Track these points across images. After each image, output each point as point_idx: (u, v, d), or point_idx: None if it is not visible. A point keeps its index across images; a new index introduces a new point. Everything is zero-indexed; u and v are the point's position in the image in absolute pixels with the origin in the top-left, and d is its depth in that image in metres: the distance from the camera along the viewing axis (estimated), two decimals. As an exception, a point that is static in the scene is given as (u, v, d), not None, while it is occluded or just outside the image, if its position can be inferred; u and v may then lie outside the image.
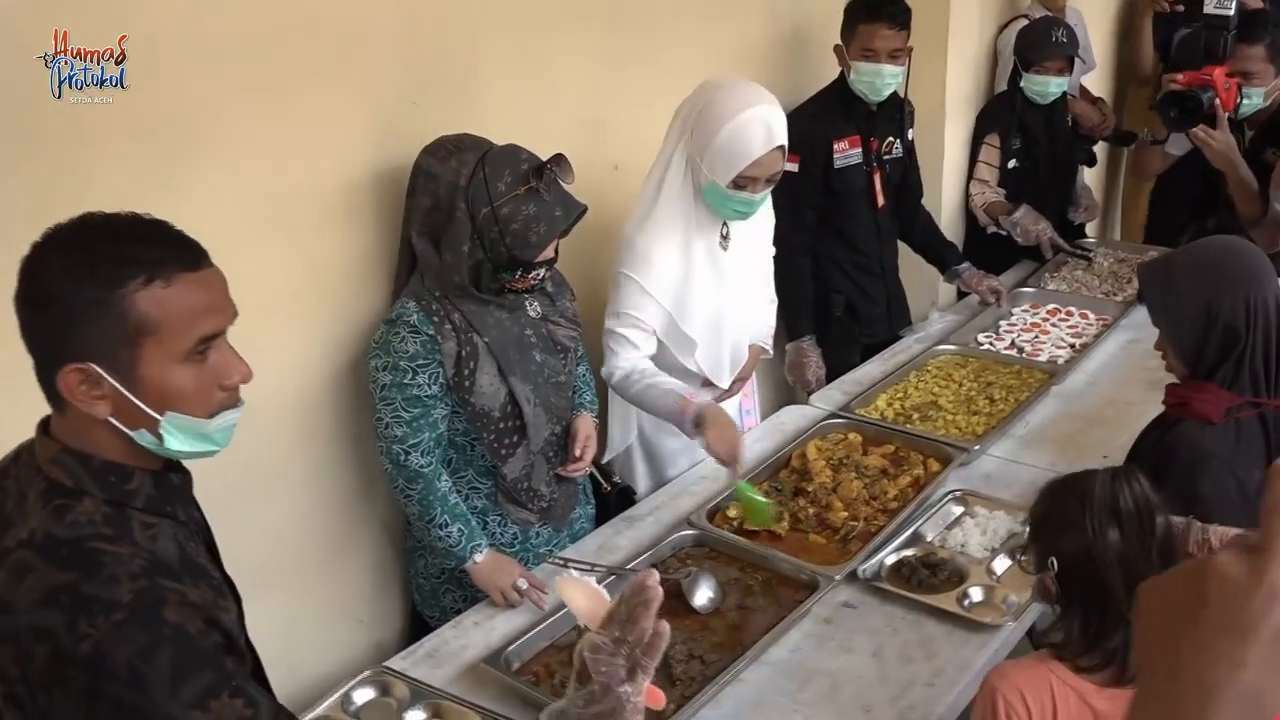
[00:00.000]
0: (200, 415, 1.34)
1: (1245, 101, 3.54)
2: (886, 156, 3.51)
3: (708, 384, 2.78)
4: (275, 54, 2.17)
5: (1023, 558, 1.84)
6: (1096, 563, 1.64)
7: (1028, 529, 1.80)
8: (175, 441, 1.32)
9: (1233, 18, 3.46)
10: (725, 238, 2.66)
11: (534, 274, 2.29)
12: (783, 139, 2.48)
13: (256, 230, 2.21)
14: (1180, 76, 3.47)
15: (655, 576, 1.11)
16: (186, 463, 1.43)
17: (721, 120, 2.44)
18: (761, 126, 2.45)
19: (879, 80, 3.33)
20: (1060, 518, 1.70)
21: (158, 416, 1.30)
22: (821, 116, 3.40)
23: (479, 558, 2.29)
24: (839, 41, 3.38)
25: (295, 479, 2.41)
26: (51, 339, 1.28)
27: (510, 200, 2.19)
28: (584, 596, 1.18)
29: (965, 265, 3.68)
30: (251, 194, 2.19)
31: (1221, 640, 0.66)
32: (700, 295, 2.64)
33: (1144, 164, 3.95)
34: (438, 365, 2.26)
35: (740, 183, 2.48)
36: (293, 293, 2.32)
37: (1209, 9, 3.49)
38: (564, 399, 2.48)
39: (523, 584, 2.27)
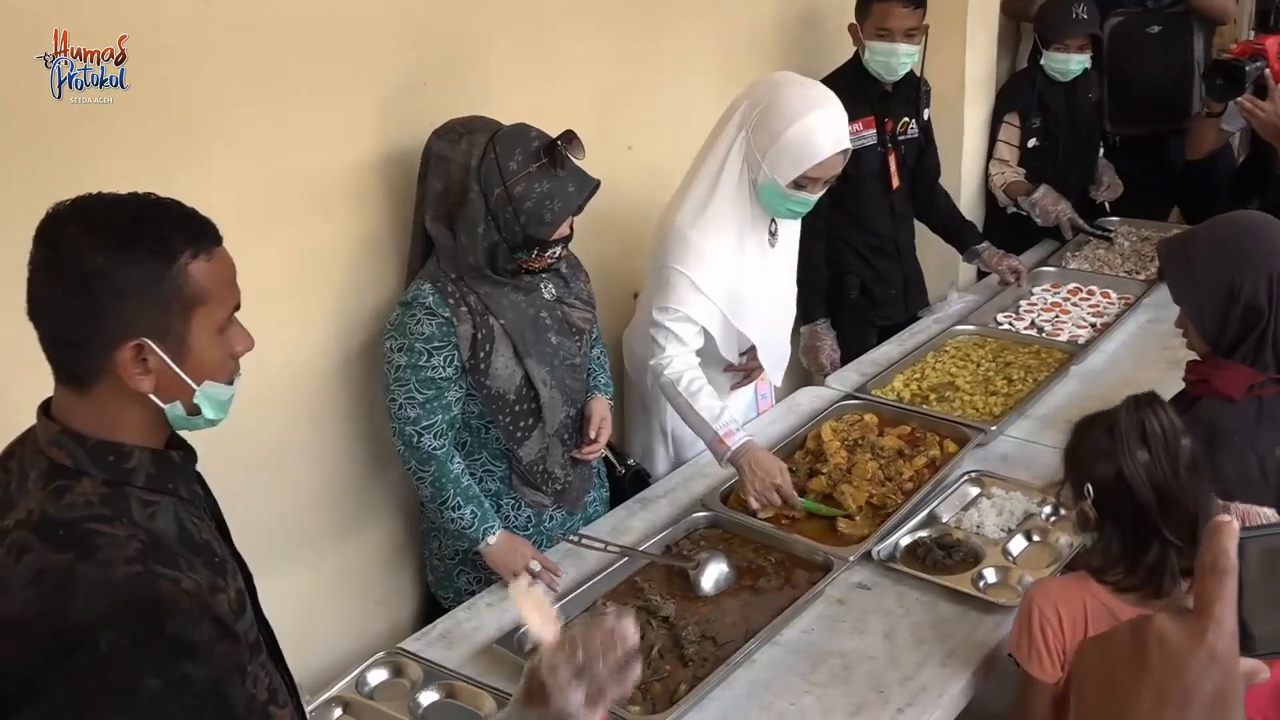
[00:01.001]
0: (224, 383, 1.41)
1: None
2: (901, 137, 3.47)
3: (730, 368, 2.79)
4: (278, 37, 2.17)
5: (1059, 493, 1.96)
6: (1129, 485, 1.75)
7: (1062, 465, 1.94)
8: (210, 410, 1.38)
9: None
10: (773, 234, 2.67)
11: (550, 252, 2.28)
12: (848, 142, 2.49)
13: (264, 214, 2.21)
14: (1233, 45, 3.42)
15: (632, 626, 1.12)
16: (191, 440, 1.44)
17: (788, 120, 2.42)
18: (829, 128, 2.45)
19: (894, 60, 3.29)
20: (1091, 448, 1.83)
21: (195, 387, 1.35)
22: (836, 94, 3.37)
23: (491, 540, 2.29)
24: (853, 20, 3.34)
25: (307, 460, 2.42)
26: (98, 316, 1.29)
27: (523, 178, 2.18)
28: (538, 611, 1.17)
29: (985, 245, 3.64)
30: (259, 178, 2.19)
31: (1163, 707, 0.67)
32: (753, 293, 2.65)
33: (1198, 140, 3.90)
34: (453, 348, 2.25)
35: (801, 183, 2.47)
36: (302, 276, 2.33)
37: None
38: (579, 381, 2.48)
39: (535, 566, 2.28)
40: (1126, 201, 4.24)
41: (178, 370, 1.33)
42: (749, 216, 2.57)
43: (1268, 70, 3.34)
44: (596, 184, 2.26)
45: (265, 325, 2.23)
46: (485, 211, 2.21)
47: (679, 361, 2.52)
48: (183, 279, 1.30)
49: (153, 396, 1.32)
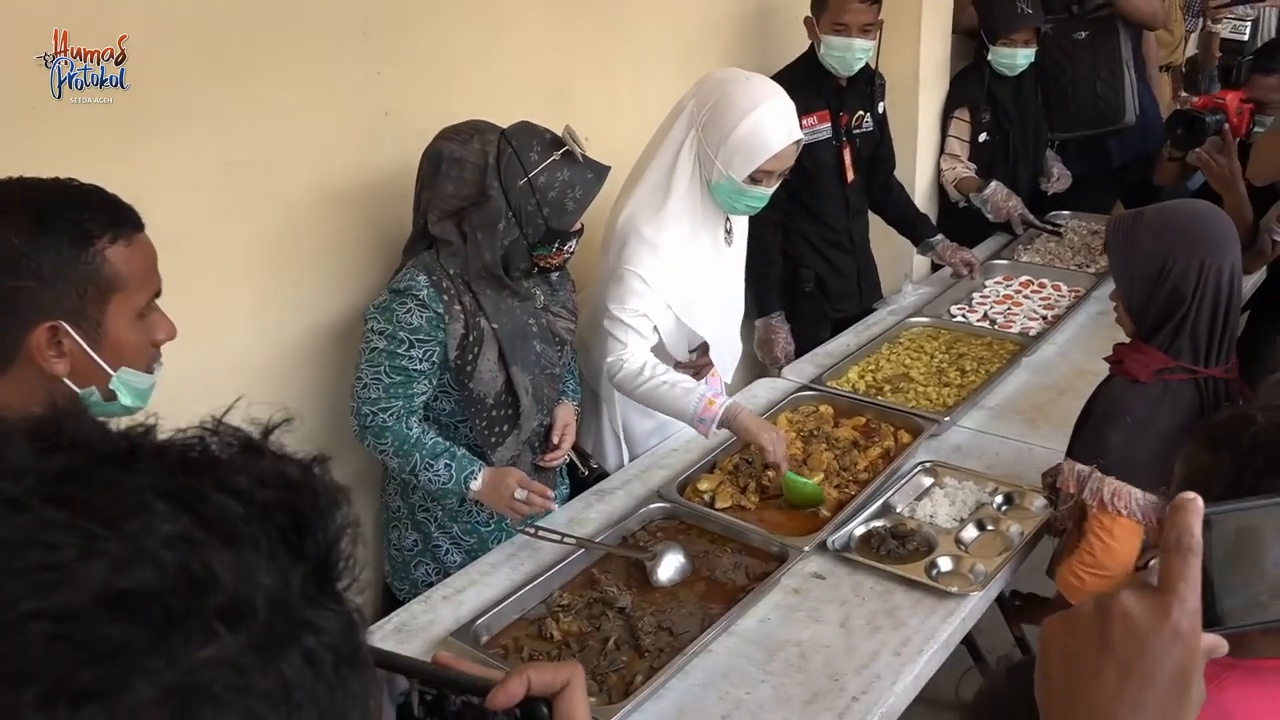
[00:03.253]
0: (142, 371, 1.42)
1: (1258, 130, 3.55)
2: (856, 131, 3.50)
3: (679, 365, 2.80)
4: (233, 25, 2.14)
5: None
6: None
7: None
8: (126, 397, 1.39)
9: (1248, 43, 3.46)
10: (729, 232, 2.68)
11: (569, 245, 2.29)
12: (800, 132, 2.51)
13: (220, 207, 2.19)
14: (1195, 98, 3.49)
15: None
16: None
17: (739, 114, 2.44)
18: (781, 120, 2.47)
19: (850, 55, 3.31)
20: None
21: (111, 373, 1.36)
22: (790, 91, 3.38)
23: (475, 485, 2.26)
24: (809, 14, 3.36)
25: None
26: (13, 298, 1.29)
27: (546, 168, 2.19)
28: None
29: (939, 237, 3.67)
30: (215, 171, 2.17)
31: (1125, 684, 0.68)
32: (706, 291, 2.66)
33: (1163, 173, 4.07)
34: (438, 344, 2.24)
35: (756, 177, 2.48)
36: (263, 267, 2.31)
37: (1225, 33, 3.50)
38: (555, 391, 2.48)
39: (521, 494, 2.25)
40: (1070, 200, 4.33)
41: (93, 355, 1.34)
42: (702, 216, 2.58)
43: (1226, 125, 3.41)
44: (608, 168, 2.27)
45: (225, 316, 2.23)
46: (506, 207, 2.20)
47: (638, 355, 2.52)
48: (100, 263, 1.32)
49: (67, 381, 1.34)
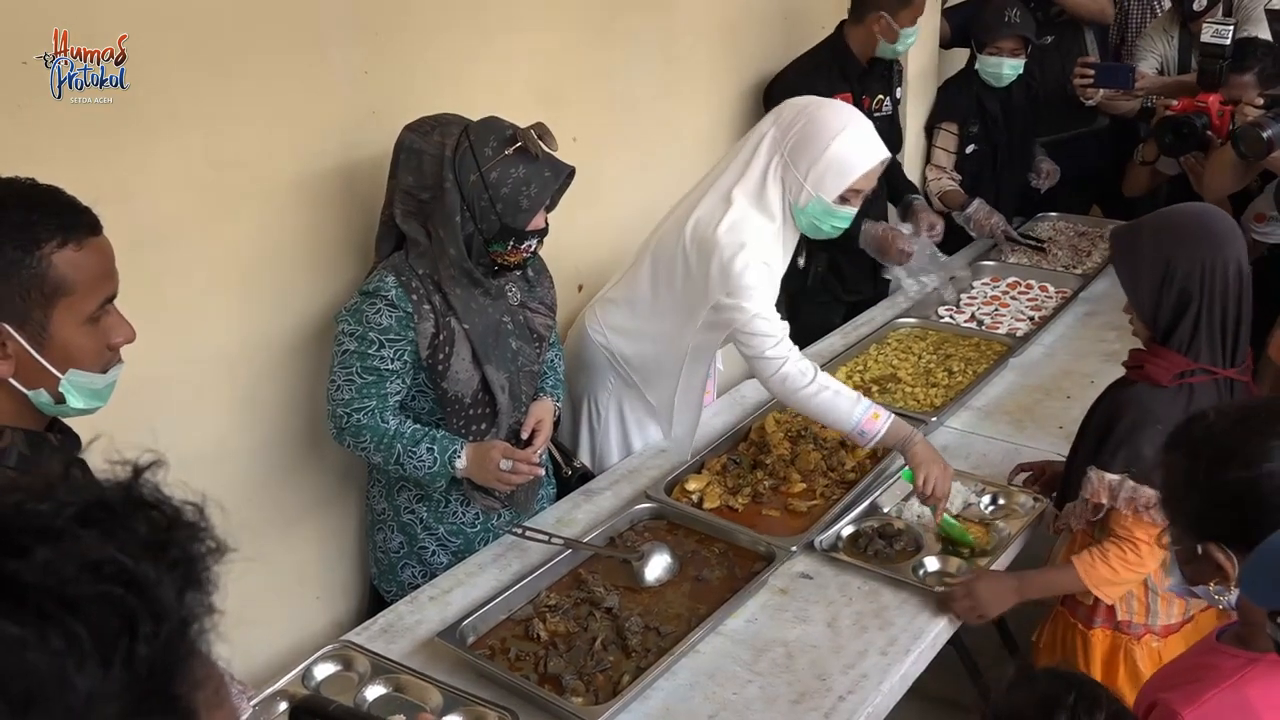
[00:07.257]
0: (96, 372, 1.41)
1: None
2: (877, 114, 3.55)
3: None
4: (222, 23, 2.14)
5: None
6: None
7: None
8: (76, 399, 1.38)
9: (1229, 47, 3.46)
10: (801, 264, 2.78)
11: (526, 245, 2.26)
12: (886, 151, 2.56)
13: (206, 206, 2.18)
14: (1175, 103, 3.49)
15: None
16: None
17: (830, 134, 2.47)
18: (870, 139, 2.52)
19: (910, 44, 3.51)
20: None
21: (59, 375, 1.35)
22: (814, 72, 3.42)
23: (460, 463, 2.24)
24: (879, 10, 3.42)
25: (247, 453, 2.39)
26: None
27: (499, 164, 2.17)
28: None
29: (917, 196, 3.78)
30: (202, 170, 2.16)
31: None
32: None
33: (1133, 182, 4.08)
34: (409, 343, 2.23)
35: (845, 196, 2.50)
36: (245, 267, 2.30)
37: (1206, 38, 3.49)
38: (533, 388, 2.47)
39: (506, 464, 2.24)
40: (1049, 204, 4.36)
41: (39, 357, 1.33)
42: (786, 238, 2.62)
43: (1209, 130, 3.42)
44: (571, 170, 2.24)
45: (207, 316, 2.22)
46: (461, 202, 2.19)
47: (796, 354, 2.50)
48: (45, 268, 1.30)
49: (14, 382, 1.33)
